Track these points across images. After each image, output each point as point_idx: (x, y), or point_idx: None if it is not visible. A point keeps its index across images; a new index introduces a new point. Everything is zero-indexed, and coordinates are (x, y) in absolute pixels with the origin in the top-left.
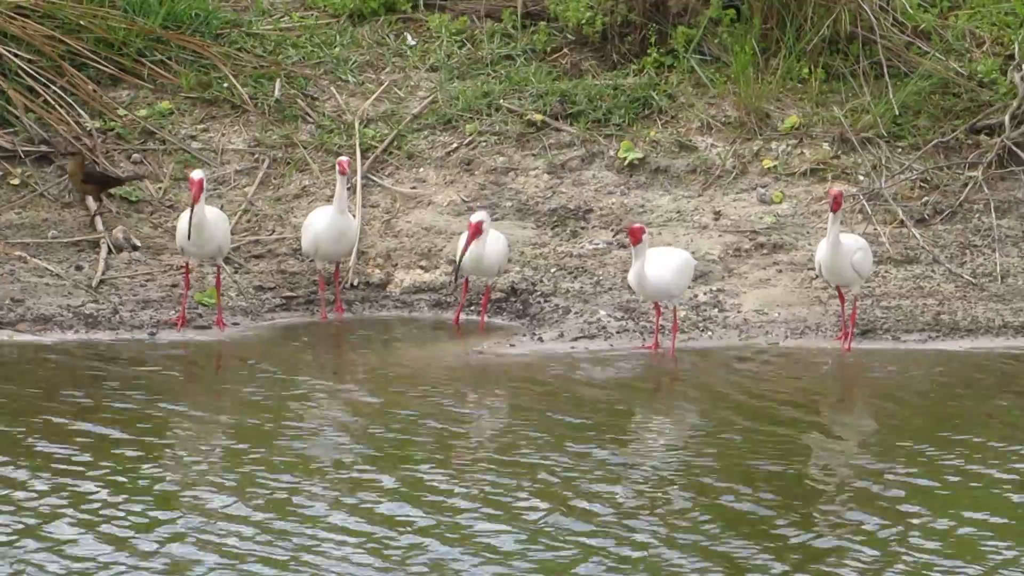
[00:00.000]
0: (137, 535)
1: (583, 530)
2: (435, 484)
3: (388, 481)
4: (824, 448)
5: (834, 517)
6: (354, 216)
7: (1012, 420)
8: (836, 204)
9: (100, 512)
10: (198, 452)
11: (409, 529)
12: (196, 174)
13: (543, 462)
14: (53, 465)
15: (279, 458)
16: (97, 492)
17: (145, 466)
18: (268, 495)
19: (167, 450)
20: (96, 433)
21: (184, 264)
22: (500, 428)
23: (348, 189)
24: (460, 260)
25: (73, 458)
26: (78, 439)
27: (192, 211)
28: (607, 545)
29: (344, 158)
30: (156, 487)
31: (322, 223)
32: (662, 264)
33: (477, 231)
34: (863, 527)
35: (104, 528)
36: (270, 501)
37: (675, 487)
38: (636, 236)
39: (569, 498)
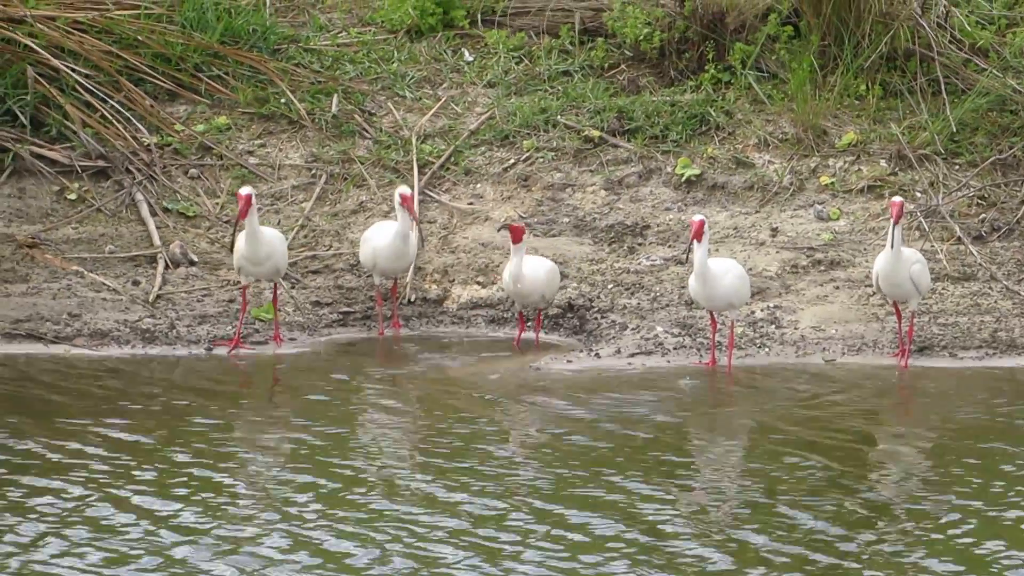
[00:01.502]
0: (199, 543)
1: (644, 546)
2: (488, 501)
3: (442, 497)
4: (882, 467)
5: (890, 540)
6: (418, 237)
7: None
8: (897, 215)
9: (161, 526)
10: (251, 469)
11: (462, 545)
12: (244, 190)
13: (597, 482)
14: (109, 479)
15: (335, 472)
16: (155, 506)
17: (200, 481)
18: (324, 510)
19: (223, 464)
20: (149, 447)
21: (242, 284)
22: (554, 444)
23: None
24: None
25: (129, 472)
26: (132, 453)
27: (236, 226)
28: (662, 561)
29: (405, 189)
30: (213, 501)
31: (382, 240)
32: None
33: None
34: (919, 556)
35: (167, 537)
36: (325, 516)
37: (731, 504)
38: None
39: (623, 516)
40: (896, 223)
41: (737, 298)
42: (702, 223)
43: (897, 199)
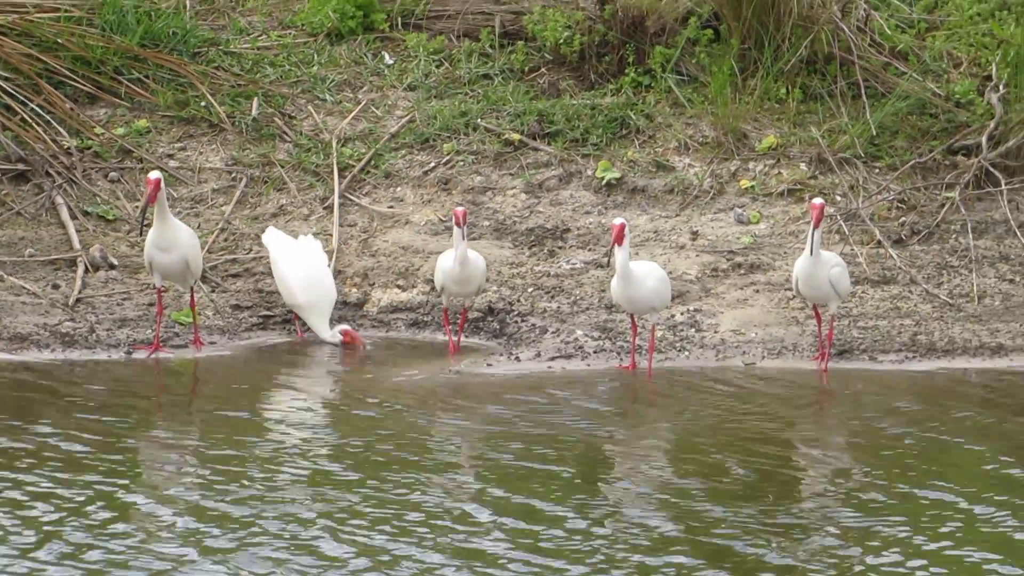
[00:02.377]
0: (103, 555)
1: (555, 549)
2: (406, 501)
3: (358, 499)
4: (800, 468)
5: (807, 539)
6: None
7: (988, 440)
8: (818, 218)
9: (70, 533)
10: (171, 470)
11: (377, 542)
12: (153, 174)
13: (515, 481)
14: (23, 484)
15: (253, 475)
16: (67, 513)
17: (116, 483)
18: (239, 513)
19: (139, 468)
20: (68, 451)
21: (157, 287)
22: (473, 447)
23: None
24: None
25: (44, 479)
26: (49, 458)
27: (143, 211)
28: (574, 566)
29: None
30: (126, 506)
31: (301, 282)
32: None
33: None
34: (835, 549)
35: (70, 547)
36: (240, 520)
37: (649, 506)
38: (459, 218)
39: (540, 518)
40: (816, 226)
41: (658, 301)
42: (623, 226)
43: (817, 201)
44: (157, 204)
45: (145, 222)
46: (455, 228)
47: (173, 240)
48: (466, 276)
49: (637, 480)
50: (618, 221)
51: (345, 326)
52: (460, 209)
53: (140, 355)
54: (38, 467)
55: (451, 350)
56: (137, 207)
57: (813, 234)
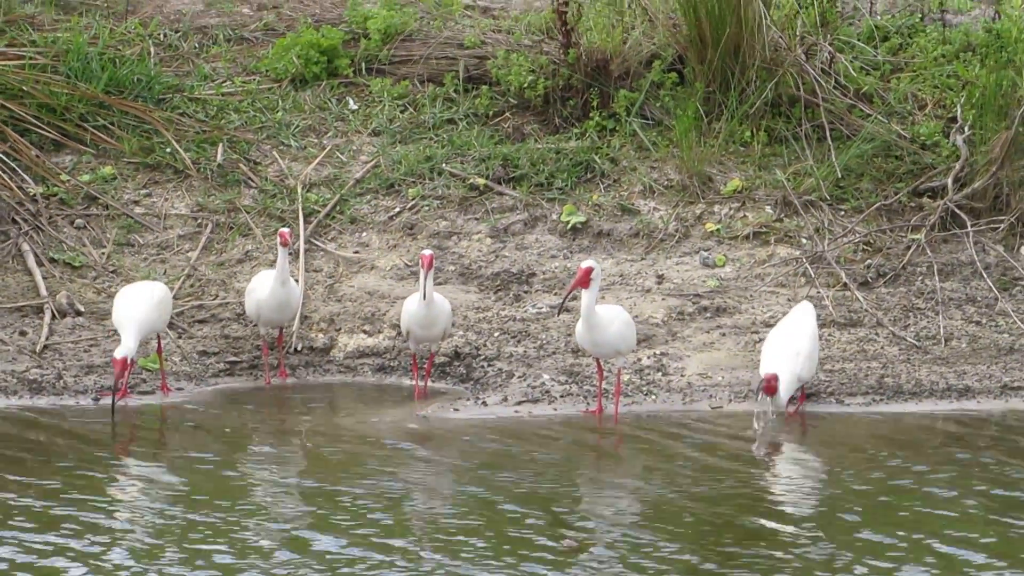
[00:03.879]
0: None
1: None
2: (374, 551)
3: (326, 545)
4: (768, 512)
5: None
6: (297, 282)
7: (953, 482)
8: (581, 280)
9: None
10: (139, 518)
11: None
12: (118, 352)
13: (484, 529)
14: None
15: (220, 523)
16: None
17: (82, 530)
18: (207, 559)
19: (108, 514)
20: (34, 497)
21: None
22: (442, 494)
23: (291, 256)
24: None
25: (10, 523)
26: (15, 502)
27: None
28: None
29: (285, 230)
30: (88, 555)
31: (264, 291)
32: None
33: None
34: None
35: None
36: (209, 565)
37: (616, 551)
38: (425, 263)
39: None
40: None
41: (624, 345)
42: (589, 270)
43: (426, 253)
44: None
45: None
46: (421, 271)
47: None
48: (431, 319)
49: (604, 524)
50: (585, 264)
51: (284, 229)
52: (428, 253)
53: (107, 401)
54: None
55: (417, 395)
56: (103, 253)
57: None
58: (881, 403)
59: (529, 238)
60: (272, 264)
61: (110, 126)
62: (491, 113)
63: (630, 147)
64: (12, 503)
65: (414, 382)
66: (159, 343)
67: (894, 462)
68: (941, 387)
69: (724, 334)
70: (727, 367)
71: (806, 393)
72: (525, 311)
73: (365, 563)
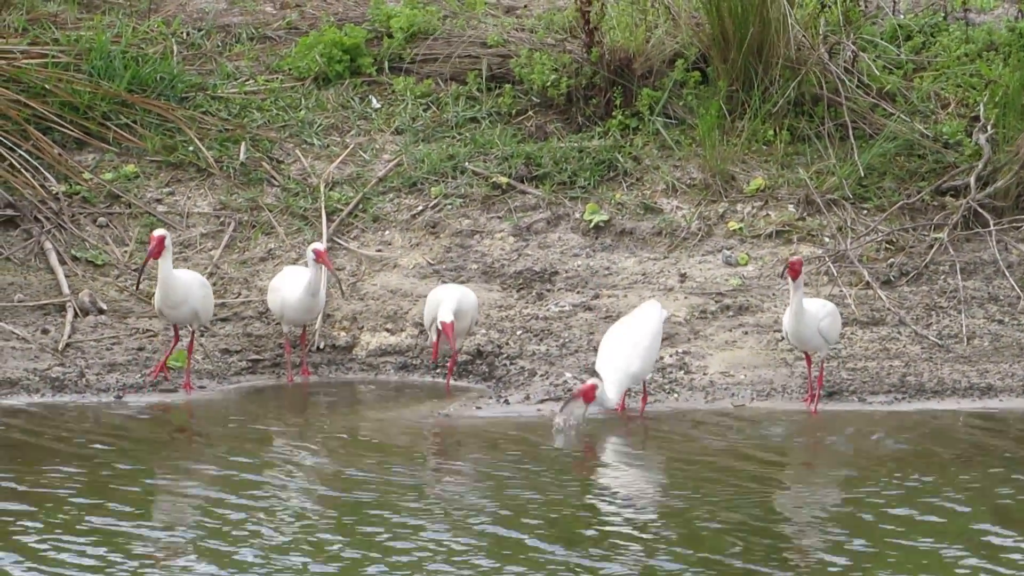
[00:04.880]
0: None
1: None
2: (396, 547)
3: (348, 547)
4: (791, 510)
5: None
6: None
7: (978, 481)
8: (793, 272)
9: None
10: (163, 517)
11: None
12: (158, 232)
13: (506, 528)
14: (14, 532)
15: (241, 520)
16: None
17: (109, 528)
18: (228, 557)
19: (132, 513)
20: (59, 496)
21: (174, 326)
22: (464, 491)
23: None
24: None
25: (35, 522)
26: (42, 503)
27: (143, 266)
28: None
29: (321, 247)
30: (118, 552)
31: (292, 295)
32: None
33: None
34: None
35: None
36: (230, 563)
37: (640, 552)
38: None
39: (530, 562)
40: (795, 281)
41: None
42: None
43: (796, 257)
44: (161, 260)
45: (143, 271)
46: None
47: (184, 298)
48: (461, 309)
49: (627, 522)
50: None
51: (319, 245)
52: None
53: (130, 399)
54: (30, 511)
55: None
56: (125, 252)
57: (795, 291)
58: (903, 401)
59: (552, 236)
60: (295, 260)
61: (133, 124)
62: (514, 112)
63: (653, 146)
64: (36, 501)
65: (436, 379)
66: (191, 341)
67: (916, 460)
68: (963, 386)
69: (747, 333)
70: (750, 365)
71: (829, 391)
72: (548, 309)
73: (387, 562)
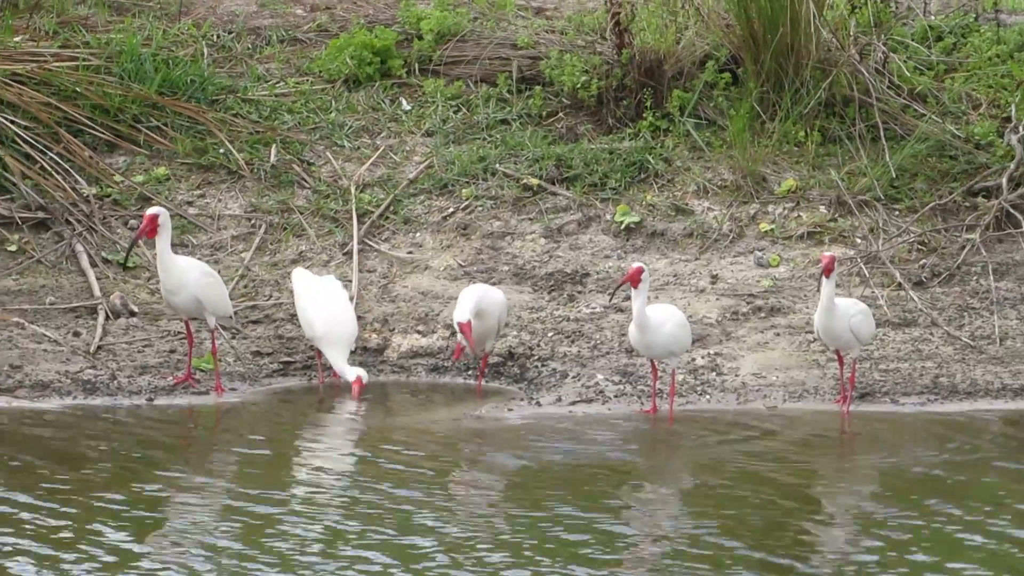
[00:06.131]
0: None
1: None
2: (428, 552)
3: (378, 550)
4: (823, 512)
5: None
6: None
7: (1012, 482)
8: (827, 270)
9: None
10: (195, 519)
11: None
12: (151, 210)
13: (538, 528)
14: (49, 533)
15: (274, 521)
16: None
17: (140, 533)
18: (264, 560)
19: (164, 516)
20: (92, 501)
21: (185, 321)
22: (495, 494)
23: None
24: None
25: (68, 525)
26: (74, 504)
27: (132, 243)
28: None
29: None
30: (151, 555)
31: (320, 314)
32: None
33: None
34: None
35: None
36: (263, 563)
37: (673, 553)
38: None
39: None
40: (827, 278)
41: (677, 346)
42: (639, 270)
43: (827, 254)
44: (158, 240)
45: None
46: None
47: (181, 283)
48: (484, 309)
49: (659, 524)
50: (635, 264)
51: (361, 372)
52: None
53: (161, 401)
54: (61, 514)
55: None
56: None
57: (826, 286)
58: (936, 403)
59: (583, 238)
60: (326, 264)
61: (163, 127)
62: (544, 113)
63: (684, 147)
64: (68, 502)
65: (466, 381)
66: (213, 343)
67: (948, 462)
68: (996, 387)
69: (778, 334)
70: (781, 367)
71: (861, 392)
72: (579, 311)
73: (416, 566)
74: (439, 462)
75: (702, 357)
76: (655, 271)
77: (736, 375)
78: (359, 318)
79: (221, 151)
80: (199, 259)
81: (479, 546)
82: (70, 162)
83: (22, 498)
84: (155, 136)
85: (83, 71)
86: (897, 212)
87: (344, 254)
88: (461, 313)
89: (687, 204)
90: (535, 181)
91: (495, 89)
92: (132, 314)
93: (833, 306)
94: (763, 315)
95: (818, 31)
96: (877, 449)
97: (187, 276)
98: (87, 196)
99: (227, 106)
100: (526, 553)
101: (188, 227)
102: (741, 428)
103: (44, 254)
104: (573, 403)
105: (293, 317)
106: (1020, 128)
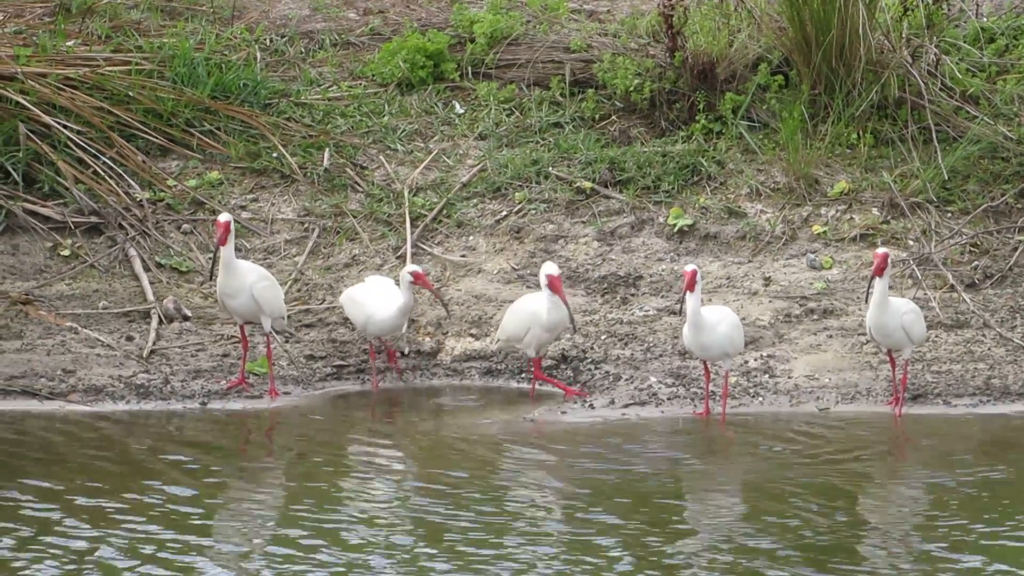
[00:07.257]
0: None
1: None
2: (483, 555)
3: (437, 552)
4: (876, 514)
5: None
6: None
7: None
8: (879, 268)
9: None
10: (250, 523)
11: None
12: (222, 217)
13: (594, 532)
14: (107, 535)
15: (328, 526)
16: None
17: (198, 537)
18: (319, 565)
19: (219, 521)
20: (144, 502)
21: (239, 326)
22: (550, 497)
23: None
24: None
25: (127, 527)
26: (128, 509)
27: (216, 253)
28: None
29: (416, 268)
30: (211, 558)
31: (381, 314)
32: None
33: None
34: None
35: None
36: (317, 566)
37: (725, 555)
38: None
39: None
40: (878, 275)
41: (731, 347)
42: (694, 273)
43: (880, 251)
44: (224, 246)
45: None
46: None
47: (241, 287)
48: (553, 322)
49: (713, 528)
50: (690, 267)
51: (416, 268)
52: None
53: (215, 405)
54: (117, 517)
55: (531, 395)
56: (210, 258)
57: (872, 283)
58: (988, 404)
59: (636, 241)
60: (379, 267)
61: (216, 131)
62: (597, 116)
63: (736, 150)
64: (121, 504)
65: (521, 385)
66: (268, 346)
67: (1001, 463)
68: None
69: (831, 336)
70: (834, 369)
71: (913, 394)
72: (632, 314)
73: (479, 563)
74: (494, 468)
75: (755, 359)
76: (708, 274)
77: (789, 377)
78: (412, 322)
79: (274, 155)
80: (253, 263)
81: (534, 547)
82: (123, 166)
83: (81, 501)
84: (208, 140)
85: (135, 75)
86: (949, 214)
87: (397, 258)
88: (550, 267)
89: (740, 207)
90: (588, 184)
91: (548, 92)
92: (185, 318)
93: (886, 302)
94: (816, 317)
95: (869, 33)
96: (930, 451)
97: (246, 279)
98: (140, 200)
99: (280, 110)
100: (580, 551)
101: (241, 231)
102: (793, 431)
103: (97, 258)
104: (626, 405)
105: (346, 320)
106: None
